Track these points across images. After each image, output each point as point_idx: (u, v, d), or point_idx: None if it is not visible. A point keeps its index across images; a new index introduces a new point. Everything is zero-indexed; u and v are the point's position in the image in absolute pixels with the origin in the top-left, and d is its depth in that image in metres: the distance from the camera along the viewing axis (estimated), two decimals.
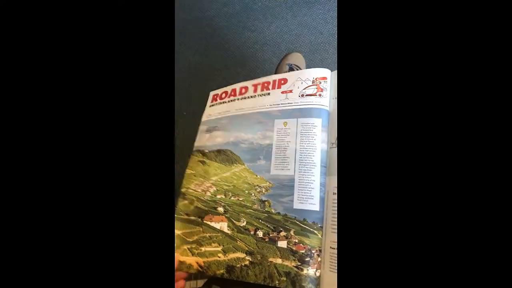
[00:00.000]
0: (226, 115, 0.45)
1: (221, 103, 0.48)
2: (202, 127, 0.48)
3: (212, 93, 0.50)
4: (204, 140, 0.46)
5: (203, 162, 0.44)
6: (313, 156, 0.37)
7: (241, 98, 0.45)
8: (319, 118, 0.39)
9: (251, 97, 0.44)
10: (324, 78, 0.41)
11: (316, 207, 0.35)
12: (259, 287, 0.34)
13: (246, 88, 0.46)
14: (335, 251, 0.32)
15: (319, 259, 0.33)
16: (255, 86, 0.45)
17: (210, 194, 0.41)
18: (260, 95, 0.44)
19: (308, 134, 0.38)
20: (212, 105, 0.49)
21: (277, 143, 0.40)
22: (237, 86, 0.47)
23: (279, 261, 0.35)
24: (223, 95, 0.48)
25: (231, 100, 0.47)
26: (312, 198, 0.36)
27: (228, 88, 0.48)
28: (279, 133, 0.40)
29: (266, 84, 0.44)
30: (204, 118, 0.49)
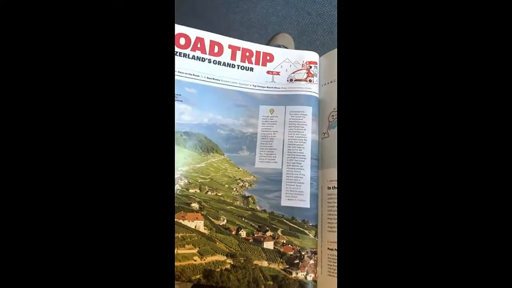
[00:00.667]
0: (194, 81, 0.35)
1: (179, 54, 0.35)
2: None
3: None
4: None
5: None
6: (303, 147, 0.34)
7: (215, 62, 0.37)
8: (309, 106, 0.35)
9: (229, 65, 0.37)
10: (315, 62, 0.37)
11: (306, 204, 0.32)
12: None
13: (221, 47, 0.37)
14: (334, 252, 0.30)
15: (310, 261, 0.31)
16: (233, 50, 0.37)
17: (180, 188, 0.35)
18: (241, 68, 0.37)
19: (298, 124, 0.35)
20: None
21: (262, 132, 0.36)
22: (204, 36, 0.36)
23: (265, 264, 0.32)
24: (182, 40, 0.35)
25: (199, 58, 0.36)
26: (302, 194, 0.33)
27: (189, 32, 0.36)
28: (265, 121, 0.36)
29: (248, 54, 0.38)
30: None
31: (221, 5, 0.95)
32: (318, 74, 0.37)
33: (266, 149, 0.35)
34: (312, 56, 0.37)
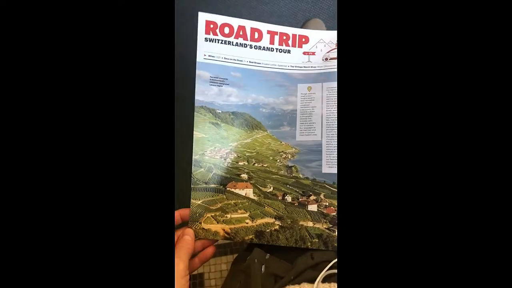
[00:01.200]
0: (238, 65, 0.39)
1: (223, 41, 0.39)
2: (201, 73, 0.39)
3: (204, 18, 0.39)
4: (212, 94, 0.39)
5: (216, 125, 0.41)
6: None
7: (256, 47, 0.40)
8: None
9: (268, 49, 0.40)
10: None
11: None
12: (296, 250, 0.35)
13: (260, 33, 0.40)
14: None
15: None
16: (271, 34, 0.40)
17: (230, 161, 0.40)
18: (279, 51, 0.40)
19: (334, 98, 0.38)
20: (210, 40, 0.39)
21: (301, 108, 0.39)
22: (246, 24, 0.40)
23: (310, 224, 0.36)
24: (226, 30, 0.39)
25: (241, 44, 0.40)
26: None
27: (232, 21, 0.39)
28: (303, 98, 0.39)
29: (285, 38, 0.41)
30: (201, 58, 0.39)
31: None
32: None
33: (306, 124, 0.38)
34: None
